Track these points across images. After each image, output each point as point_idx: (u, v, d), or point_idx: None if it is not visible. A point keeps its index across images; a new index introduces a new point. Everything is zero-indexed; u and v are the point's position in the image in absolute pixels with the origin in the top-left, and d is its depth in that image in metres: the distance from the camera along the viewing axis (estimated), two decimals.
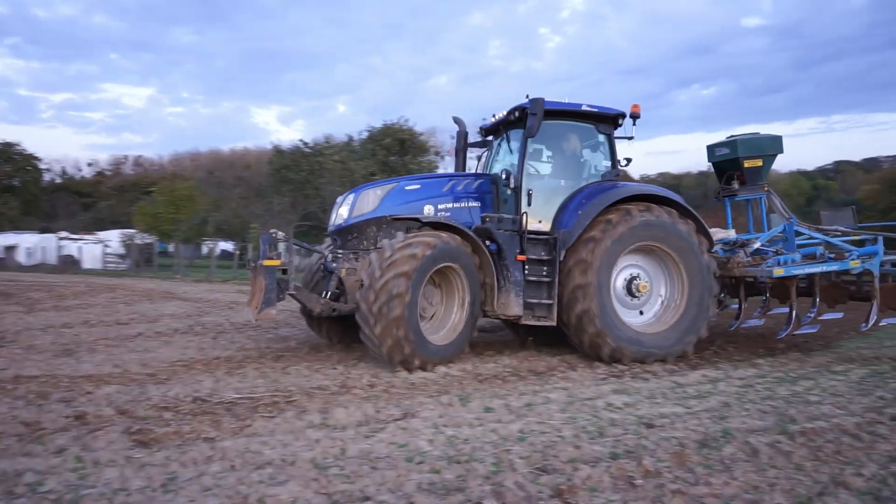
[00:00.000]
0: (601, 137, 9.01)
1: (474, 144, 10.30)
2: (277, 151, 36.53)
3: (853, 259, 8.89)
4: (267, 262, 7.73)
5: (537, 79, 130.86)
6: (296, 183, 33.56)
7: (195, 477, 4.05)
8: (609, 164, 9.02)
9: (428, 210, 8.50)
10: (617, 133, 9.09)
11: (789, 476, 4.20)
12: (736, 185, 10.16)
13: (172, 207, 34.66)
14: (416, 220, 8.12)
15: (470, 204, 8.78)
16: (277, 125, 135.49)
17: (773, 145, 10.12)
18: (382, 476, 4.06)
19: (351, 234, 8.59)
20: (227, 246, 43.36)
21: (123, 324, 12.05)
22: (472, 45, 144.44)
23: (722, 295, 10.22)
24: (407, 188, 8.66)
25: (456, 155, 10.31)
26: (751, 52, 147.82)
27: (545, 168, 9.17)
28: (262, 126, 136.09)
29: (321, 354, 8.69)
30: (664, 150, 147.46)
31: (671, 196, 8.74)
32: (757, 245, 9.57)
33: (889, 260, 9.18)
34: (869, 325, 8.90)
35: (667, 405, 6.06)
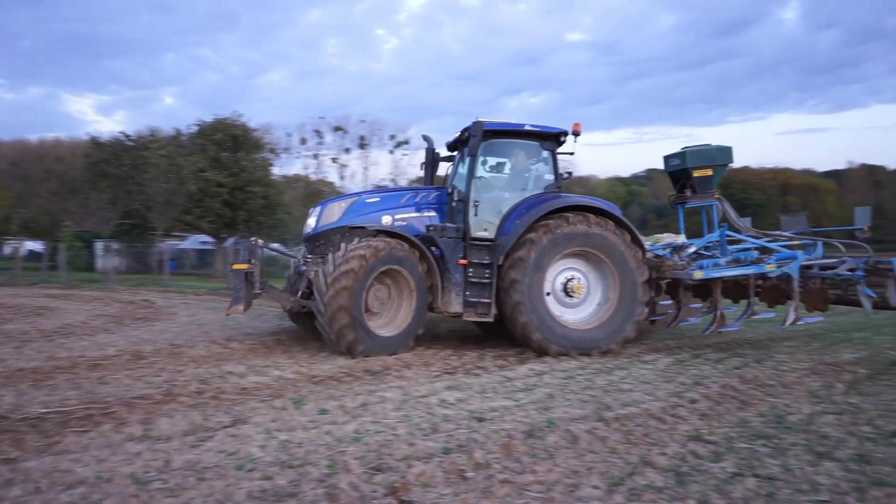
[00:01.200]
0: (545, 153, 9.76)
1: (445, 159, 11.00)
2: (95, 144, 33.63)
3: (769, 263, 9.35)
4: (235, 266, 9.13)
5: (375, 79, 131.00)
6: (116, 178, 31.16)
7: None
8: (552, 177, 9.74)
9: (386, 220, 9.42)
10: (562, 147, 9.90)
11: (605, 459, 4.55)
12: (689, 193, 10.67)
13: None
14: (363, 228, 9.05)
15: (427, 214, 9.67)
16: (95, 115, 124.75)
17: (722, 156, 10.67)
18: (210, 487, 3.89)
19: (319, 241, 9.55)
20: (34, 246, 39.36)
21: None
22: (308, 41, 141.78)
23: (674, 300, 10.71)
24: (367, 201, 9.64)
25: (424, 169, 11.12)
26: (574, 66, 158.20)
27: (493, 181, 9.90)
28: (77, 115, 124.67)
29: (143, 362, 8.15)
30: None
31: (603, 206, 9.44)
32: (692, 249, 10.09)
33: (819, 264, 9.53)
34: (787, 325, 9.33)
35: (497, 399, 6.32)
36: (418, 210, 9.66)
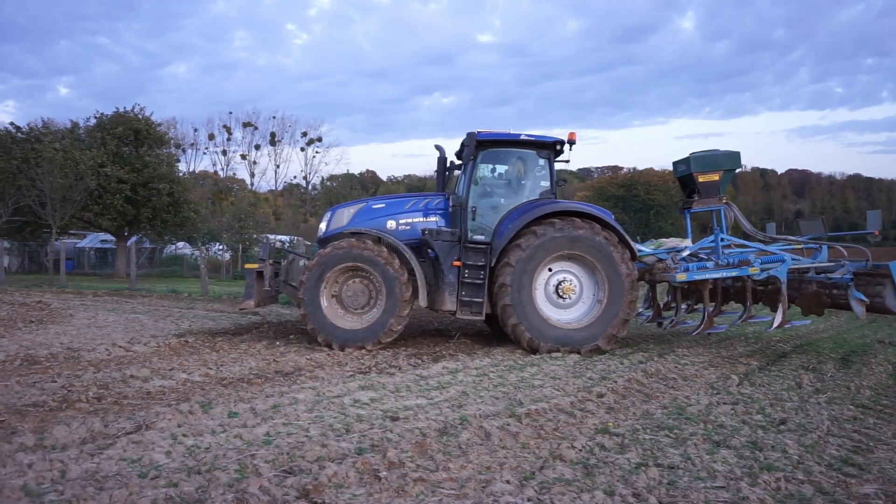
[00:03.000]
0: (541, 161, 10.11)
1: (458, 167, 11.26)
2: None
3: (753, 266, 9.57)
4: (248, 266, 10.45)
5: (284, 74, 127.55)
6: (5, 172, 29.26)
7: None
8: (548, 184, 10.05)
9: (390, 224, 10.06)
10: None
11: (516, 454, 4.64)
12: (696, 199, 10.63)
13: None
14: (349, 232, 9.82)
15: (431, 218, 10.12)
16: None
17: (729, 161, 10.59)
18: (111, 496, 3.70)
19: (328, 244, 9.93)
20: None
21: None
22: (213, 33, 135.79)
23: (688, 303, 10.91)
24: (374, 206, 10.36)
25: (436, 177, 11.50)
26: (483, 66, 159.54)
27: (492, 188, 10.36)
28: None
29: (37, 367, 7.69)
30: (409, 153, 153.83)
31: (593, 211, 9.66)
32: (685, 253, 10.22)
33: (816, 267, 9.73)
34: (773, 327, 9.39)
35: (410, 398, 6.33)
36: (425, 215, 10.16)
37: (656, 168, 62.44)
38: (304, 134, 62.91)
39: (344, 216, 10.31)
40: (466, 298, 9.49)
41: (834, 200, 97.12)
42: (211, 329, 11.57)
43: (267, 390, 6.59)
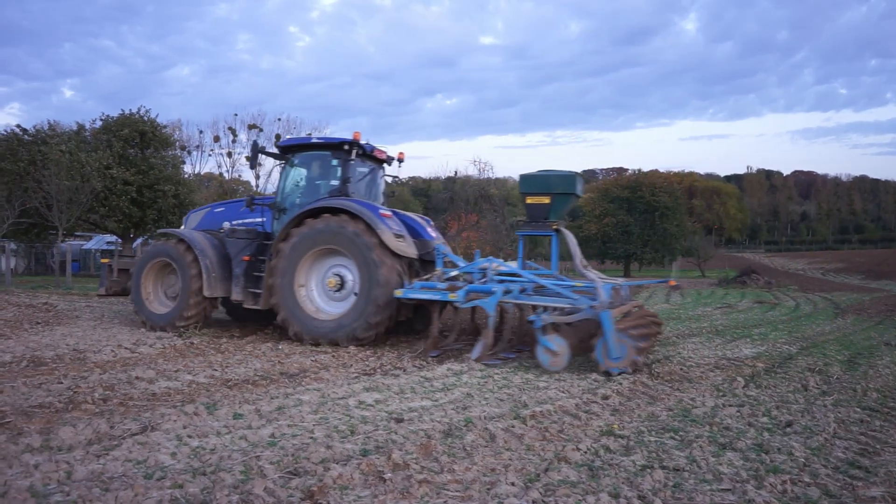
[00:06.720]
0: (334, 162, 10.79)
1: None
2: None
3: (454, 294, 8.66)
4: (103, 260, 12.48)
5: (288, 77, 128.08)
6: (12, 174, 29.33)
7: None
8: (338, 182, 10.62)
9: (226, 225, 11.37)
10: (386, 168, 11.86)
11: (521, 456, 4.63)
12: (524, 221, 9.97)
13: None
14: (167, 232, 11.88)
15: (258, 219, 11.26)
16: None
17: (562, 184, 9.61)
18: (116, 497, 3.71)
19: None
20: None
21: None
22: (217, 36, 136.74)
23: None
24: (216, 210, 11.99)
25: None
26: (486, 68, 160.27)
27: (292, 189, 11.16)
28: None
29: (44, 368, 7.72)
30: (413, 156, 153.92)
31: (354, 208, 9.69)
32: (454, 273, 9.44)
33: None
34: (473, 357, 8.36)
35: (415, 399, 6.33)
36: (250, 217, 11.37)
37: (661, 170, 62.33)
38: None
39: (194, 219, 12.00)
40: (250, 290, 10.58)
41: (840, 202, 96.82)
42: (216, 331, 11.59)
43: (272, 392, 6.60)
